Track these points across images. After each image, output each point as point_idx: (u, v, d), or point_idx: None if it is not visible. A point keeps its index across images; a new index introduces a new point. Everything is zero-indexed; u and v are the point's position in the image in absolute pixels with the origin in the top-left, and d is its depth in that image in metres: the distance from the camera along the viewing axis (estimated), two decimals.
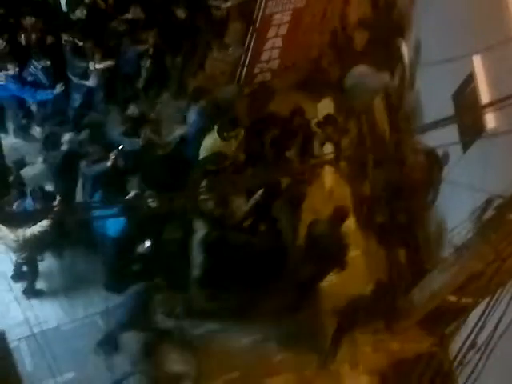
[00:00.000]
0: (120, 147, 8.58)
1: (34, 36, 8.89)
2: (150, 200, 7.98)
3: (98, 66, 9.00)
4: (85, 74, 9.07)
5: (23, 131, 9.66)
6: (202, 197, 8.16)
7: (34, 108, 9.51)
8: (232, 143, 8.77)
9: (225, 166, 8.51)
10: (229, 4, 9.31)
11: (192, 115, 9.09)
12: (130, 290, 8.22)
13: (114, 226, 8.22)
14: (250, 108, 9.63)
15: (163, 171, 8.76)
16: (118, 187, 8.60)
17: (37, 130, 9.65)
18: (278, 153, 8.88)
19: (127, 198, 8.10)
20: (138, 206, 8.06)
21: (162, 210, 7.98)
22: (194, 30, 9.35)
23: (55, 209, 8.22)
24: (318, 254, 8.42)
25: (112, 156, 8.46)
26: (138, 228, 8.26)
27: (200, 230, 8.51)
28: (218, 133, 8.65)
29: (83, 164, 8.61)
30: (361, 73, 9.59)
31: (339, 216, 8.43)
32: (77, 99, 9.36)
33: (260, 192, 8.35)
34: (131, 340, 7.99)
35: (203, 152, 8.81)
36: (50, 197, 8.21)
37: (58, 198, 8.17)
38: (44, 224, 8.01)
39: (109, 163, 8.47)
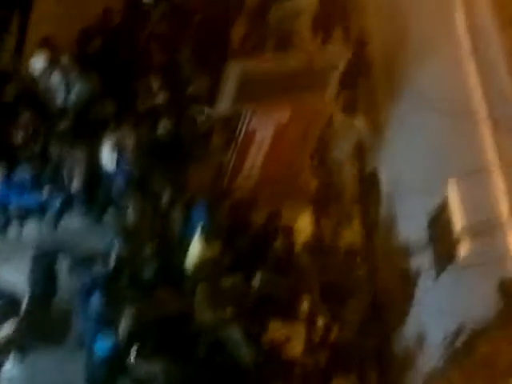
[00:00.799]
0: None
1: (29, 133, 9.01)
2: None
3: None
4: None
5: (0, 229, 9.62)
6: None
7: (11, 206, 9.48)
8: (215, 247, 8.93)
9: (215, 272, 8.74)
10: (209, 117, 9.54)
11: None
12: None
13: (102, 345, 8.09)
14: (231, 220, 9.74)
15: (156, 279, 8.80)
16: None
17: (14, 229, 9.62)
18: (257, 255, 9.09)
19: None
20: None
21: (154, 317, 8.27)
22: (178, 144, 9.57)
23: (23, 309, 8.11)
24: None
25: (111, 262, 8.53)
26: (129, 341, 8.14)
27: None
28: (203, 239, 8.82)
29: (77, 269, 8.67)
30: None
31: None
32: (57, 200, 9.42)
33: (258, 275, 8.68)
34: None
35: (191, 258, 8.93)
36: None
37: (28, 295, 8.07)
38: (11, 327, 7.87)
39: (107, 268, 8.53)
